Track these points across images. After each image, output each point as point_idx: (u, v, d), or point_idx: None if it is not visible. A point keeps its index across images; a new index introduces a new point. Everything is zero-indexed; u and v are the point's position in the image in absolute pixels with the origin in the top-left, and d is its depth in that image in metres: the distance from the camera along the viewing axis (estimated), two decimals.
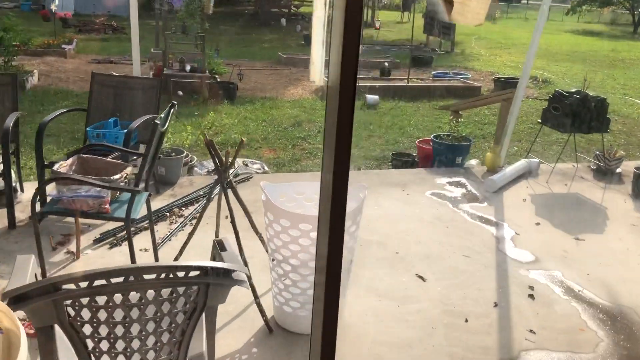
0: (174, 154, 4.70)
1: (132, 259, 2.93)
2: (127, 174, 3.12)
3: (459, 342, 2.86)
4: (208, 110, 8.89)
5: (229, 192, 2.92)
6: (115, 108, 4.33)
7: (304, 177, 5.26)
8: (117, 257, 3.51)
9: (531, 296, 3.31)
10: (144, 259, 3.47)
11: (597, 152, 5.61)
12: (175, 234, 3.83)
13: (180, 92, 9.14)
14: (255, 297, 2.83)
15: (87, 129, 3.99)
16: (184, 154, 4.75)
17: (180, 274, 1.61)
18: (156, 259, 3.43)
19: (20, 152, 4.10)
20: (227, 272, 1.70)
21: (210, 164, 5.66)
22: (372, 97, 9.60)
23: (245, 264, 2.82)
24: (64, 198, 2.86)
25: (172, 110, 3.12)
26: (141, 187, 2.97)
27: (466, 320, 3.04)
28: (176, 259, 3.13)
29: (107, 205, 2.94)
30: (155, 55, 10.60)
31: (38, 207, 3.08)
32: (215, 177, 2.92)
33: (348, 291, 3.17)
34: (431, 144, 5.70)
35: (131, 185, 2.99)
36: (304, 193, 3.01)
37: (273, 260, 2.80)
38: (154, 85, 4.45)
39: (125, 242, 3.63)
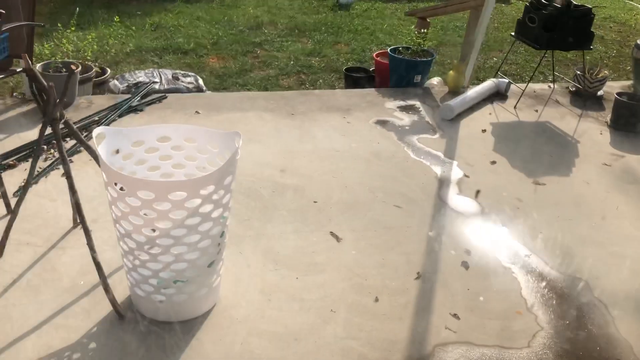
0: (64, 69, 3.88)
1: None
2: None
3: (359, 331, 2.27)
4: (156, 8, 7.89)
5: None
6: None
7: (244, 97, 4.49)
8: None
9: (465, 264, 2.71)
10: None
11: (577, 72, 4.83)
12: (45, 174, 3.14)
13: None
14: (101, 275, 2.20)
15: None
16: (78, 69, 3.93)
17: None
18: (7, 206, 2.77)
19: None
20: None
21: (137, 76, 4.85)
22: None
23: (86, 231, 2.17)
24: None
25: None
26: None
27: (376, 300, 2.45)
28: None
29: None
30: None
31: None
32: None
33: (240, 257, 2.55)
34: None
35: None
36: (160, 141, 2.29)
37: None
38: None
39: None
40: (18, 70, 3.46)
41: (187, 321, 2.24)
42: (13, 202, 2.83)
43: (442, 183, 3.39)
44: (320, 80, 5.62)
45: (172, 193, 1.89)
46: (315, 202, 3.11)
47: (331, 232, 2.87)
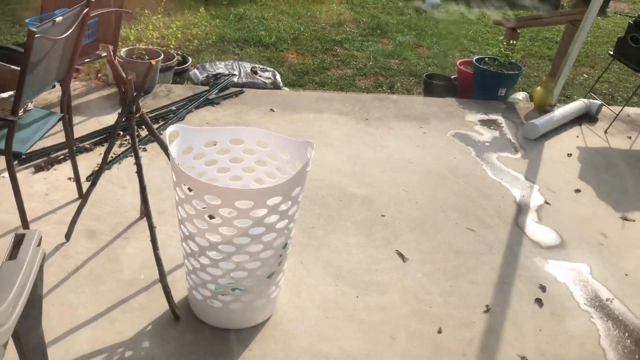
0: (147, 56, 3.93)
1: (19, 202, 2.30)
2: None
3: None
4: None
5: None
6: None
7: (319, 98, 4.42)
8: (37, 185, 2.90)
9: (539, 301, 2.52)
10: (55, 194, 2.85)
11: None
12: (119, 161, 3.18)
13: None
14: (161, 273, 2.17)
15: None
16: (160, 57, 3.97)
17: None
18: (79, 190, 2.81)
19: None
20: None
21: (217, 67, 4.88)
22: None
23: (151, 228, 2.14)
24: None
25: None
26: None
27: (440, 331, 2.30)
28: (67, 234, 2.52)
29: None
30: None
31: None
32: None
33: (301, 267, 2.48)
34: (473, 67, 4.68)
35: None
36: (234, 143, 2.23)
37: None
38: None
39: (54, 167, 3.02)
40: (103, 54, 3.52)
41: (242, 330, 2.18)
42: (85, 186, 2.86)
43: (521, 208, 3.18)
44: (398, 84, 5.47)
45: (238, 200, 1.83)
46: (382, 215, 2.99)
47: (397, 250, 2.74)
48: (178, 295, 2.31)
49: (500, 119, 4.27)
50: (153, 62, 2.03)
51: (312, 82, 5.45)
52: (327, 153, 3.52)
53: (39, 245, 1.38)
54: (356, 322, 2.29)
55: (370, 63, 6.00)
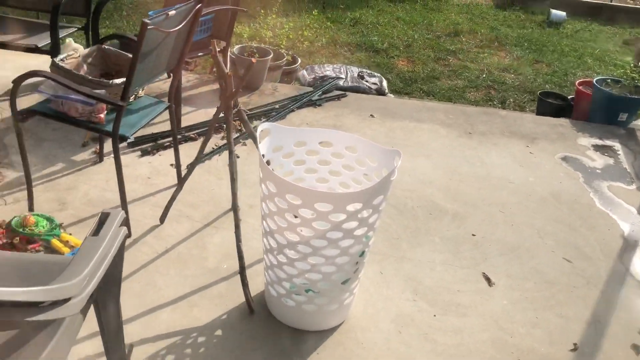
0: (257, 54, 4.05)
1: (121, 182, 2.45)
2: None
3: None
4: (359, 4, 8.00)
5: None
6: None
7: (422, 107, 4.35)
8: (141, 168, 3.09)
9: (635, 348, 2.29)
10: (157, 178, 3.01)
11: None
12: (219, 153, 3.30)
13: None
14: (241, 266, 2.22)
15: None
16: (270, 55, 4.07)
17: None
18: (179, 177, 2.95)
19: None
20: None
21: (325, 70, 4.94)
22: (558, 13, 7.95)
23: (236, 220, 2.20)
24: (53, 98, 2.41)
25: None
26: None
27: None
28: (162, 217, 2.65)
29: (102, 115, 2.44)
30: None
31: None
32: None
33: (379, 278, 2.44)
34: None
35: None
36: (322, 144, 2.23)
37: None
38: None
39: (160, 153, 3.20)
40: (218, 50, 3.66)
41: (313, 332, 2.18)
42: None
43: (628, 244, 2.92)
44: (510, 99, 5.24)
45: (318, 203, 1.83)
46: (473, 235, 2.87)
47: (484, 273, 2.61)
48: (256, 288, 2.35)
49: (617, 145, 3.96)
50: (254, 60, 2.09)
51: (420, 90, 5.36)
52: (423, 164, 3.44)
53: (121, 225, 1.46)
54: (430, 342, 2.21)
55: (484, 76, 5.80)
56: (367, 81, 5.01)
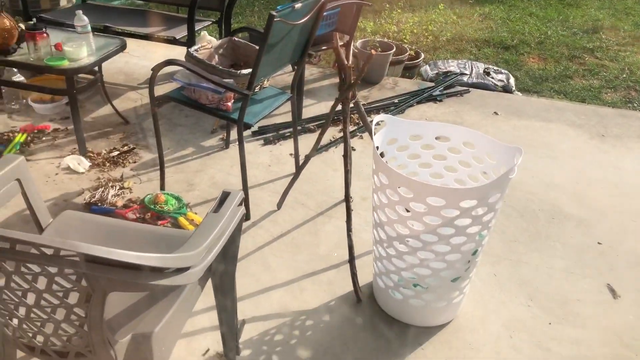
0: (380, 49, 4.06)
1: (243, 167, 2.58)
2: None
3: None
4: None
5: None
6: None
7: (550, 106, 4.14)
8: (263, 156, 3.23)
9: None
10: (276, 166, 3.12)
11: None
12: (336, 144, 3.36)
13: None
14: (350, 255, 2.26)
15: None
16: (392, 50, 4.06)
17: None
18: (297, 166, 3.05)
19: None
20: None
21: (449, 65, 4.86)
22: None
23: (348, 211, 2.24)
24: (186, 85, 2.60)
25: None
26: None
27: None
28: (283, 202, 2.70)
29: (229, 103, 2.59)
30: None
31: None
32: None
33: (493, 279, 2.37)
34: None
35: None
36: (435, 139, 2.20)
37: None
38: None
39: (280, 142, 3.33)
40: (340, 44, 3.72)
41: (419, 327, 2.17)
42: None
43: None
44: None
45: (430, 197, 1.81)
46: (599, 243, 2.68)
47: (608, 284, 2.44)
48: (365, 279, 2.38)
49: None
50: (373, 51, 2.10)
51: (551, 89, 5.08)
52: (548, 165, 3.27)
53: (240, 204, 1.55)
54: (542, 350, 2.11)
55: (624, 76, 5.37)
56: (492, 78, 4.84)
